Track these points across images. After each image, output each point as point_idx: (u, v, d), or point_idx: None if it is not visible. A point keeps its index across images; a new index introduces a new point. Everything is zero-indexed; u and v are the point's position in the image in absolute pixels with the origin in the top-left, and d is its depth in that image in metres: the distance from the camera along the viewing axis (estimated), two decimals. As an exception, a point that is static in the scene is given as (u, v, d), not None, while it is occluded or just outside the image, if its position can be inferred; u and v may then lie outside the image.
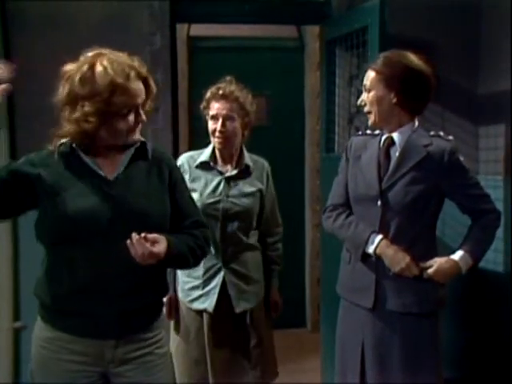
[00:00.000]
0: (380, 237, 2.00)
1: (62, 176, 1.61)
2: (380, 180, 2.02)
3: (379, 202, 2.02)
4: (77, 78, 1.56)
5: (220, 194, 2.35)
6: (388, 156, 2.05)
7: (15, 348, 2.81)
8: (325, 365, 3.25)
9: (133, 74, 1.59)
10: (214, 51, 4.25)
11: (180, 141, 3.36)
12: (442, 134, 2.06)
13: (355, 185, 2.10)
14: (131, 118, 1.61)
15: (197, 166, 2.39)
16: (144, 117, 1.65)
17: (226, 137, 2.34)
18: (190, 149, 4.14)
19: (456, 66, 3.17)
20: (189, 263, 1.76)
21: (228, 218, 2.34)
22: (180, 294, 2.44)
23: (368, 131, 2.17)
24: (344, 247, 2.18)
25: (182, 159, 2.43)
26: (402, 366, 2.00)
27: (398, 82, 1.97)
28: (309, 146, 4.40)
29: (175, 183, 1.76)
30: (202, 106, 2.41)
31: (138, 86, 1.61)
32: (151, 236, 1.54)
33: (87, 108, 1.55)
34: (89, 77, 1.55)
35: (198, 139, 4.19)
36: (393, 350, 2.01)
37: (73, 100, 1.57)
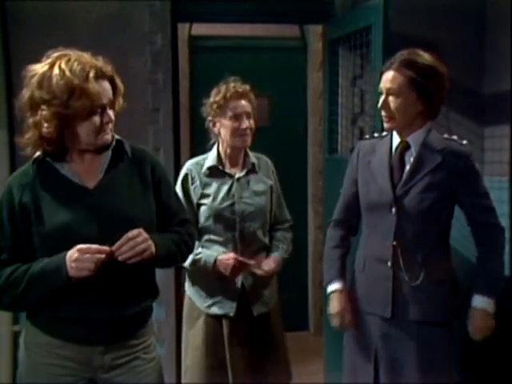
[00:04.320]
0: (334, 288, 2.04)
1: (39, 193, 1.57)
2: (393, 186, 1.94)
3: (394, 209, 1.93)
4: (35, 80, 1.51)
5: (233, 196, 2.33)
6: (402, 161, 1.96)
7: (14, 351, 2.79)
8: (328, 368, 3.22)
9: (93, 73, 1.51)
10: (216, 51, 4.23)
11: (181, 141, 3.33)
12: (455, 137, 1.99)
13: (367, 192, 2.01)
14: (96, 119, 1.54)
15: (205, 172, 2.36)
16: (113, 117, 1.58)
17: (249, 134, 2.34)
18: (191, 148, 4.18)
19: (461, 65, 3.13)
20: (177, 260, 1.76)
21: (245, 219, 2.33)
22: (197, 301, 2.39)
23: (375, 134, 2.10)
24: (356, 255, 2.11)
25: (189, 167, 2.39)
26: (417, 374, 1.94)
27: (432, 92, 1.89)
28: (311, 147, 4.37)
29: (159, 181, 1.72)
30: (213, 107, 2.33)
31: (101, 86, 1.54)
32: (130, 234, 1.53)
33: (45, 112, 1.50)
34: (46, 79, 1.50)
35: (199, 139, 4.19)
36: (408, 359, 1.95)
37: (33, 104, 1.52)
